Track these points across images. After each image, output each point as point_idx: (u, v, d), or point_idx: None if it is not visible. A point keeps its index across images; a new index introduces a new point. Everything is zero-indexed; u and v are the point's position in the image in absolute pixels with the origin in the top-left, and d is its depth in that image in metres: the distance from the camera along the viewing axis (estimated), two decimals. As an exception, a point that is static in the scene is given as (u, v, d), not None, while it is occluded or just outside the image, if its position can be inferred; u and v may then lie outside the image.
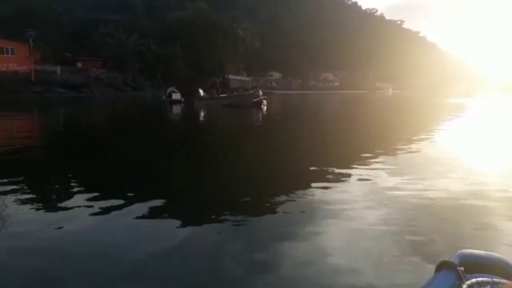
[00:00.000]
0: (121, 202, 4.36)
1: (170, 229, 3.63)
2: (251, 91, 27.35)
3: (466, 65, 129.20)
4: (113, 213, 4.02)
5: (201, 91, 27.86)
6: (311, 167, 6.43)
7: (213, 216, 3.91)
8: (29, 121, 17.18)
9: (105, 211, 4.09)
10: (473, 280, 1.17)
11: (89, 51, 53.95)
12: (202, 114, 20.63)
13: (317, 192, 4.69)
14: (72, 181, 5.52)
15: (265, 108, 22.57)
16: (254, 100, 23.13)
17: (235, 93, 30.16)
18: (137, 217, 3.91)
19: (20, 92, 37.84)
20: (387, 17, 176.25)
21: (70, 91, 43.19)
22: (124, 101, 34.72)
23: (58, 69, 46.18)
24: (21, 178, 5.72)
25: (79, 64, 51.10)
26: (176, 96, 29.57)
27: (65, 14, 63.19)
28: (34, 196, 4.67)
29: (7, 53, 42.43)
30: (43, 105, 28.71)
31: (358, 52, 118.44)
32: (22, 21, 48.42)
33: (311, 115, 21.85)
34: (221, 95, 27.99)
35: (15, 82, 39.09)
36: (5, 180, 5.43)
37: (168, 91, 31.27)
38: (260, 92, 24.65)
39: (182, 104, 27.13)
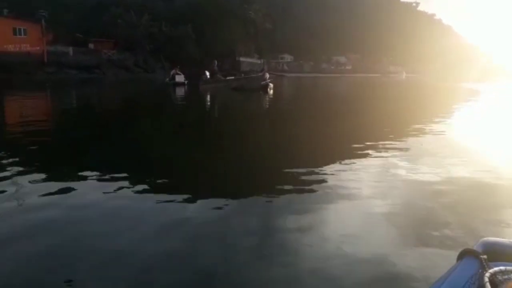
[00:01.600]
0: (129, 180, 4.42)
1: (178, 207, 3.67)
2: (259, 74, 26.45)
3: (481, 50, 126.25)
4: (122, 191, 4.08)
5: (207, 74, 26.63)
6: (318, 152, 6.40)
7: (221, 196, 3.93)
8: (42, 102, 17.36)
9: (114, 188, 4.16)
10: (496, 268, 1.15)
11: (100, 32, 53.83)
12: (207, 98, 20.23)
13: (327, 176, 4.66)
14: (83, 161, 5.59)
15: (271, 91, 22.28)
16: (262, 83, 22.79)
17: (242, 75, 29.07)
18: (145, 195, 3.97)
19: (32, 73, 38.09)
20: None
21: (82, 72, 43.33)
22: (134, 83, 34.75)
23: (70, 50, 46.25)
24: (34, 158, 5.82)
25: (90, 45, 51.10)
26: (180, 78, 28.55)
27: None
28: (47, 174, 4.74)
29: (20, 34, 42.53)
30: (56, 86, 28.93)
31: (371, 35, 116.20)
32: (33, 1, 48.36)
33: (320, 100, 21.68)
34: (228, 78, 27.23)
35: (28, 63, 39.30)
36: (19, 160, 5.53)
37: (171, 73, 30.39)
38: (267, 75, 24.22)
39: (186, 87, 26.55)
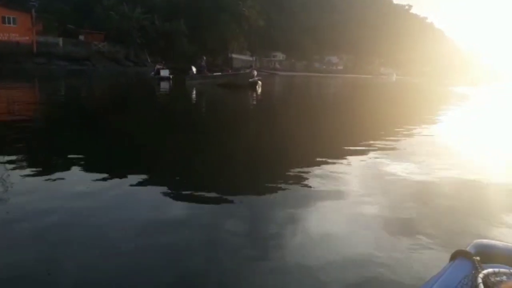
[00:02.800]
0: (118, 174, 4.42)
1: (168, 202, 3.67)
2: (247, 71, 25.83)
3: (473, 54, 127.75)
4: (111, 183, 4.07)
5: (193, 69, 25.87)
6: (305, 151, 6.43)
7: (211, 193, 3.92)
8: (30, 93, 17.14)
9: (102, 181, 4.15)
10: (490, 270, 1.14)
11: (91, 24, 53.24)
12: (192, 93, 19.81)
13: (314, 176, 4.63)
14: (71, 152, 5.56)
15: (259, 89, 21.95)
16: (250, 80, 22.35)
17: (229, 72, 28.38)
18: (134, 188, 3.97)
19: (21, 63, 37.57)
20: (394, 1, 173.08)
21: (72, 64, 42.83)
22: (123, 76, 34.37)
23: (60, 41, 45.66)
24: (22, 148, 5.77)
25: (81, 37, 50.51)
26: (164, 73, 28.30)
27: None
28: (34, 165, 4.71)
29: (9, 23, 41.86)
30: (45, 77, 28.55)
31: (364, 36, 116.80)
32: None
33: (310, 99, 21.62)
34: (215, 74, 26.50)
35: (17, 52, 38.73)
36: (7, 149, 5.48)
37: (156, 67, 30.03)
38: (255, 73, 23.80)
39: (171, 82, 26.18)
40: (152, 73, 29.32)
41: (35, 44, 42.17)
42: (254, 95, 19.40)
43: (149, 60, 29.58)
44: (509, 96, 30.64)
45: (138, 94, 18.07)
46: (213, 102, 16.39)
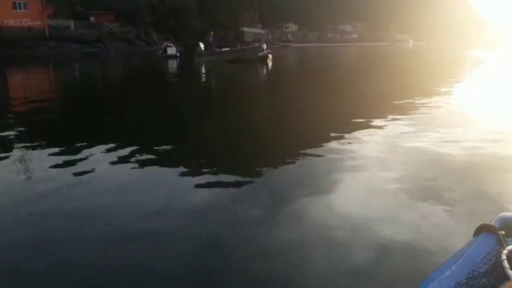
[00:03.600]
0: (136, 154, 4.50)
1: (185, 181, 3.71)
2: (256, 45, 25.17)
3: (489, 18, 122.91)
4: (130, 165, 4.15)
5: (201, 45, 25.41)
6: (322, 124, 6.37)
7: (227, 171, 3.96)
8: (45, 77, 17.36)
9: (120, 160, 4.25)
10: None
11: (101, 5, 52.96)
12: (201, 70, 19.56)
13: (334, 147, 4.63)
14: (90, 135, 5.65)
15: (270, 63, 21.58)
16: (259, 54, 21.92)
17: (238, 47, 27.44)
18: (150, 169, 4.04)
19: (34, 47, 37.93)
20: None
21: (84, 46, 43.01)
22: (136, 56, 34.33)
23: (72, 23, 45.72)
24: (40, 133, 5.91)
25: (91, 18, 50.42)
26: (172, 51, 27.92)
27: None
28: (53, 150, 4.81)
29: (20, 8, 41.97)
30: (58, 60, 28.78)
31: (378, 2, 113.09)
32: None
33: (323, 71, 21.16)
34: (223, 49, 25.84)
35: (29, 37, 39.03)
36: (24, 135, 5.62)
37: (163, 45, 29.64)
38: (264, 46, 23.27)
39: (178, 60, 25.89)
40: (160, 51, 28.96)
41: (47, 28, 42.36)
42: (265, 69, 19.09)
43: (155, 40, 28.92)
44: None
45: (147, 76, 18.01)
46: (222, 80, 16.15)
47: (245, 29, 69.27)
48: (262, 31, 78.55)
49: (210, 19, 57.55)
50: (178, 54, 27.66)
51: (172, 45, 29.23)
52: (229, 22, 60.86)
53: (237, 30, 66.32)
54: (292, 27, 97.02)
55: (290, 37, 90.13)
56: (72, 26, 45.54)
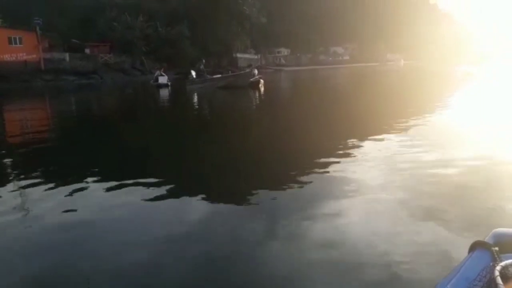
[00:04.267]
0: (135, 182, 4.52)
1: (188, 206, 3.75)
2: (247, 70, 25.07)
3: (476, 33, 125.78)
4: (131, 193, 4.18)
5: (193, 73, 25.15)
6: (316, 147, 6.44)
7: (223, 196, 4.00)
8: (42, 111, 17.46)
9: (123, 191, 4.27)
10: (508, 261, 1.13)
11: (96, 37, 53.77)
12: (192, 99, 19.47)
13: (329, 168, 4.69)
14: (89, 167, 5.68)
15: (262, 88, 21.42)
16: (251, 80, 21.65)
17: (229, 73, 27.44)
18: (152, 196, 4.06)
19: (30, 81, 38.20)
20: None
21: (80, 78, 43.34)
22: (130, 86, 34.49)
23: (67, 56, 46.26)
24: (37, 165, 5.94)
25: (86, 50, 51.06)
26: (163, 79, 27.72)
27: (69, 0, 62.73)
28: (50, 180, 4.84)
29: (16, 43, 42.57)
30: (54, 93, 28.97)
31: (368, 24, 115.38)
32: (26, 8, 48.31)
33: (316, 93, 21.33)
34: (215, 76, 25.65)
35: (25, 71, 39.39)
36: (21, 168, 5.65)
37: (155, 74, 29.58)
38: (256, 71, 23.10)
39: (169, 88, 25.96)
40: (152, 80, 28.93)
41: (42, 61, 42.81)
42: (257, 94, 19.10)
43: (148, 69, 28.89)
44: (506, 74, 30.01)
45: (139, 105, 18.09)
46: (214, 107, 16.21)
47: (239, 55, 70.28)
48: (255, 56, 79.75)
49: (204, 47, 58.48)
50: (169, 83, 27.68)
51: (163, 74, 29.11)
52: (222, 49, 61.76)
53: (231, 56, 67.24)
54: (285, 51, 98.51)
55: (283, 61, 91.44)
56: (67, 58, 46.05)
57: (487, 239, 1.31)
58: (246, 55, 74.53)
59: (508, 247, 1.26)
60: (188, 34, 58.83)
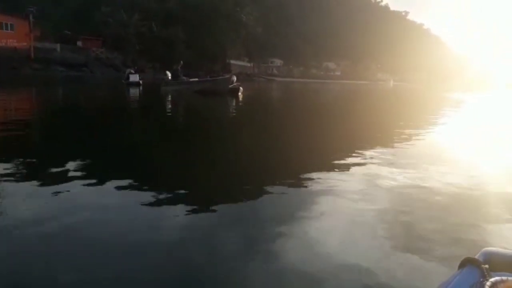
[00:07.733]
0: (116, 184, 4.37)
1: (165, 213, 3.61)
2: (226, 76, 24.00)
3: (469, 60, 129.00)
4: (110, 195, 4.02)
5: (168, 74, 23.99)
6: (301, 159, 6.38)
7: (207, 202, 3.89)
8: (28, 99, 17.09)
9: (103, 193, 4.10)
10: (498, 278, 1.15)
11: (89, 30, 53.40)
12: (165, 100, 18.73)
13: (308, 184, 4.55)
14: (69, 161, 5.50)
15: (241, 96, 20.75)
16: (230, 86, 20.96)
17: (208, 78, 25.97)
18: (130, 200, 3.92)
19: (19, 68, 37.61)
20: (392, 8, 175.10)
21: (69, 70, 42.91)
22: (113, 84, 33.67)
23: (58, 47, 45.80)
24: (19, 158, 5.72)
25: (79, 43, 50.69)
26: (134, 78, 26.96)
27: (66, -9, 62.26)
28: (32, 176, 4.65)
29: (7, 29, 41.97)
30: (42, 83, 28.46)
31: (361, 42, 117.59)
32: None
33: (305, 106, 21.13)
34: (192, 80, 24.50)
35: (15, 58, 38.78)
36: (4, 159, 5.43)
37: (126, 72, 28.81)
38: (234, 78, 22.36)
39: (141, 87, 25.07)
40: (123, 79, 28.04)
41: (32, 50, 42.22)
42: (234, 102, 18.46)
43: (131, 70, 27.94)
44: (501, 102, 30.76)
45: (107, 103, 16.93)
46: (187, 111, 15.49)
47: (232, 61, 70.66)
48: (249, 64, 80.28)
49: (198, 50, 58.55)
50: (141, 82, 26.94)
51: (135, 72, 28.28)
52: (217, 54, 61.95)
53: (225, 62, 67.52)
54: (278, 62, 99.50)
55: (275, 71, 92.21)
56: (58, 49, 45.58)
57: (477, 256, 1.33)
58: (240, 62, 74.98)
59: (497, 266, 1.27)
60: (183, 36, 58.89)
